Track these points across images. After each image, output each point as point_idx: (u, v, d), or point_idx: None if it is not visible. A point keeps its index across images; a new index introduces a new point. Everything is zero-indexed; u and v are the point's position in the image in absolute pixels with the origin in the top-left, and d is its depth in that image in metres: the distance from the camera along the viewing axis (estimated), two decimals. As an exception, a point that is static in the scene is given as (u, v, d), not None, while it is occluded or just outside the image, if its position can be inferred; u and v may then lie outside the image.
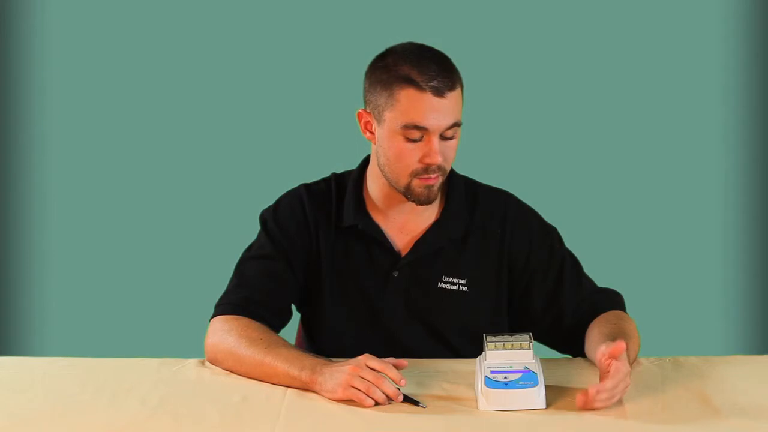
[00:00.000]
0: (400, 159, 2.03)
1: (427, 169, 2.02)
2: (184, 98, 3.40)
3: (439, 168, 2.03)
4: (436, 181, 2.04)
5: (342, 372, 1.83)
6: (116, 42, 3.38)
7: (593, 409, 1.77)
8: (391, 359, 1.86)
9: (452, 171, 2.17)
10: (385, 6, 3.32)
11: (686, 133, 3.40)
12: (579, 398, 1.77)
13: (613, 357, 1.79)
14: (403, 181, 2.05)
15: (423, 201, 2.07)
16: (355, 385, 1.81)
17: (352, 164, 2.19)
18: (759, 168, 3.41)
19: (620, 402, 1.80)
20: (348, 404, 1.82)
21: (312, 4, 3.37)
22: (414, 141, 2.01)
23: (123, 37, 3.38)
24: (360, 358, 1.85)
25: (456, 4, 3.35)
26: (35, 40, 3.39)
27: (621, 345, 1.79)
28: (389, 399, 1.81)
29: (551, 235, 2.18)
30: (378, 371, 1.83)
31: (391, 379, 1.82)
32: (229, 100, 3.40)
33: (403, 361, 1.87)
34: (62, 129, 3.41)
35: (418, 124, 1.99)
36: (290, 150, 3.34)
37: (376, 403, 1.81)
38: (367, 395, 1.80)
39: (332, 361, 1.90)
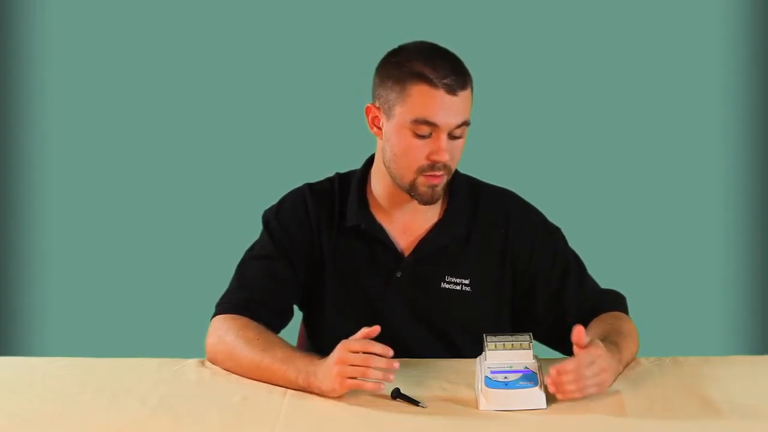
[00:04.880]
0: (407, 154, 2.02)
1: (433, 166, 2.01)
2: (185, 98, 3.39)
3: (445, 167, 2.03)
4: (441, 180, 2.04)
5: (330, 367, 1.82)
6: (116, 42, 3.38)
7: (566, 394, 1.78)
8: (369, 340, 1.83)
9: (455, 170, 2.17)
10: (391, 6, 3.31)
11: (686, 133, 3.40)
12: (548, 383, 1.79)
13: (578, 345, 1.81)
14: (408, 178, 2.04)
15: (426, 200, 2.06)
16: (349, 375, 1.80)
17: (357, 164, 2.19)
18: (759, 168, 3.41)
19: (620, 401, 1.81)
20: (348, 404, 1.81)
21: (317, 3, 3.36)
22: (422, 137, 2.00)
23: (123, 37, 3.38)
24: (339, 347, 1.83)
25: (460, 5, 3.35)
26: (35, 40, 3.39)
27: (578, 328, 1.81)
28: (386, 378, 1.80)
29: (555, 234, 2.18)
30: (362, 351, 1.81)
31: (380, 353, 1.80)
32: (232, 100, 3.40)
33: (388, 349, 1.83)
34: (62, 129, 3.41)
35: (428, 119, 1.99)
36: (294, 149, 3.34)
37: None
38: (365, 378, 1.79)
39: (319, 359, 1.88)
